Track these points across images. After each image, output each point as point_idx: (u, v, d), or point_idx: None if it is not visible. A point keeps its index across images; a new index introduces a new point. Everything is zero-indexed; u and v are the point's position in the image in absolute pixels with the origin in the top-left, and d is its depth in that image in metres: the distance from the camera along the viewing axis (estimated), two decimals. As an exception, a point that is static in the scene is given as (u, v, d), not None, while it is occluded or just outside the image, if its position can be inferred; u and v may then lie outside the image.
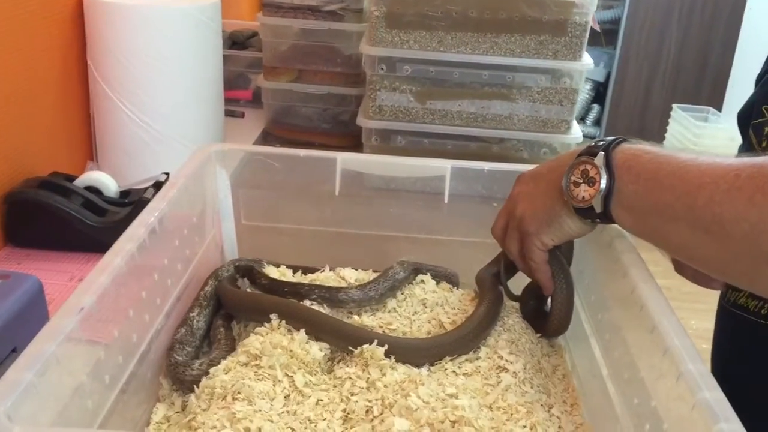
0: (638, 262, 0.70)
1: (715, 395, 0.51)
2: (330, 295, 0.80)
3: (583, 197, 0.62)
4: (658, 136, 3.35)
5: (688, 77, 3.89)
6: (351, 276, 0.88)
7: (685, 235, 0.55)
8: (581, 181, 0.63)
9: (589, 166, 0.62)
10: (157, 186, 1.09)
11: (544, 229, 0.69)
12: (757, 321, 0.75)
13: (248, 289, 0.87)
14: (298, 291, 0.81)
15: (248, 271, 0.87)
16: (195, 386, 0.70)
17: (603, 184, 0.60)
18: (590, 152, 0.63)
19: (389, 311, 0.82)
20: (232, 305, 0.83)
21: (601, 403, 0.71)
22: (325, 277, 0.88)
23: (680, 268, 0.68)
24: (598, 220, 0.64)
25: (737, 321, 0.79)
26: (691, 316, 2.13)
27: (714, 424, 0.48)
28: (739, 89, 3.10)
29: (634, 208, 0.59)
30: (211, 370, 0.71)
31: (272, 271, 0.89)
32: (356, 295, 0.80)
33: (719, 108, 3.41)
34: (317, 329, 0.75)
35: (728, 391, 0.51)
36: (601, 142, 0.63)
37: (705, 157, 0.55)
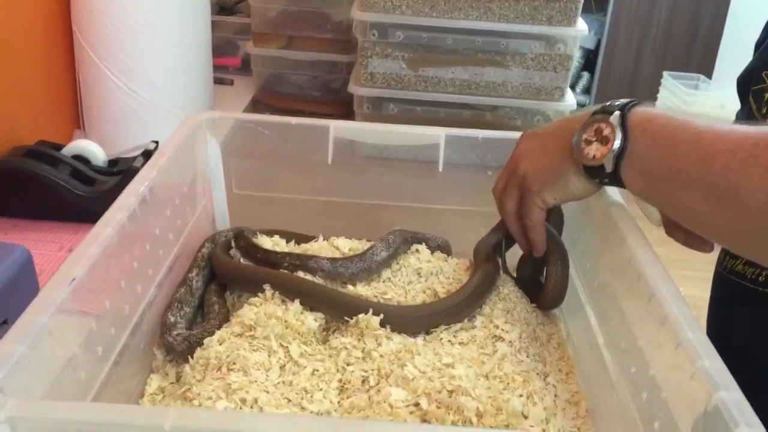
0: (635, 229, 0.70)
1: (714, 364, 0.51)
2: (300, 262, 0.79)
3: (594, 155, 0.61)
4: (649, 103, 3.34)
5: (679, 44, 3.87)
6: (345, 245, 0.87)
7: (697, 201, 0.54)
8: (594, 139, 0.61)
9: (603, 125, 0.61)
10: (147, 155, 1.07)
11: (548, 186, 0.68)
12: (755, 288, 0.75)
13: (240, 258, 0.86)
14: (269, 258, 0.80)
15: (237, 234, 0.86)
16: (189, 357, 0.69)
17: (617, 143, 0.59)
18: (606, 110, 0.61)
19: (384, 281, 0.82)
20: (225, 275, 0.82)
21: (597, 371, 0.71)
22: (319, 247, 0.87)
23: (671, 231, 0.68)
24: (606, 180, 0.63)
25: (734, 287, 0.79)
26: (680, 283, 2.11)
27: (714, 392, 0.48)
28: (730, 56, 3.10)
29: (645, 170, 0.58)
30: (206, 341, 0.71)
31: (266, 241, 0.88)
32: (326, 265, 0.79)
33: (709, 75, 3.39)
34: (312, 299, 0.75)
35: (724, 358, 0.50)
36: (617, 102, 0.62)
37: (722, 123, 0.54)
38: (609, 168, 0.61)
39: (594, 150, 0.61)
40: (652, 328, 0.60)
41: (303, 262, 0.80)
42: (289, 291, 0.75)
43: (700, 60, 3.83)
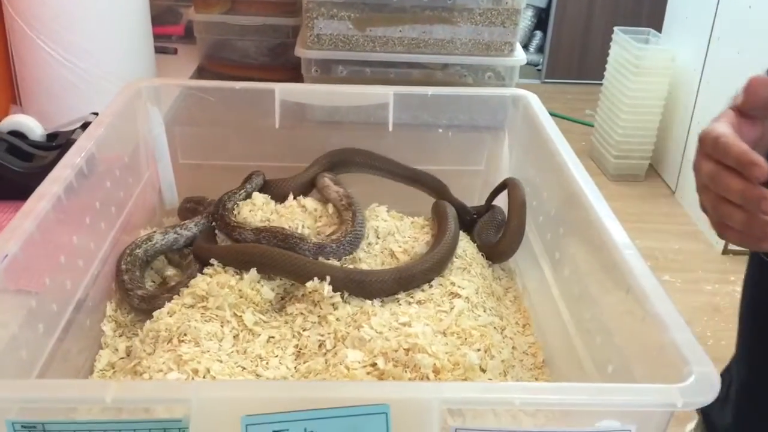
0: (587, 181, 0.69)
1: (665, 307, 0.51)
2: (282, 243, 0.75)
3: None
4: (601, 60, 3.35)
5: (628, -1, 3.89)
6: (311, 205, 0.85)
7: None
8: None
9: None
10: (86, 127, 1.03)
11: None
12: None
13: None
14: (246, 238, 0.77)
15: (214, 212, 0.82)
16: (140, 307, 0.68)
17: None
18: None
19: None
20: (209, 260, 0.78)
21: (552, 321, 0.71)
22: (289, 212, 0.84)
23: (723, 233, 0.61)
24: None
25: None
26: (635, 235, 2.18)
27: (665, 332, 0.48)
28: (679, 8, 3.11)
29: None
30: (155, 314, 0.69)
31: (245, 205, 0.85)
32: (311, 249, 0.75)
33: (659, 29, 3.41)
34: (269, 266, 0.72)
35: None
36: None
37: None
38: None
39: None
40: (604, 276, 0.60)
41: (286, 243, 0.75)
42: (244, 262, 0.73)
43: (650, 13, 3.85)
